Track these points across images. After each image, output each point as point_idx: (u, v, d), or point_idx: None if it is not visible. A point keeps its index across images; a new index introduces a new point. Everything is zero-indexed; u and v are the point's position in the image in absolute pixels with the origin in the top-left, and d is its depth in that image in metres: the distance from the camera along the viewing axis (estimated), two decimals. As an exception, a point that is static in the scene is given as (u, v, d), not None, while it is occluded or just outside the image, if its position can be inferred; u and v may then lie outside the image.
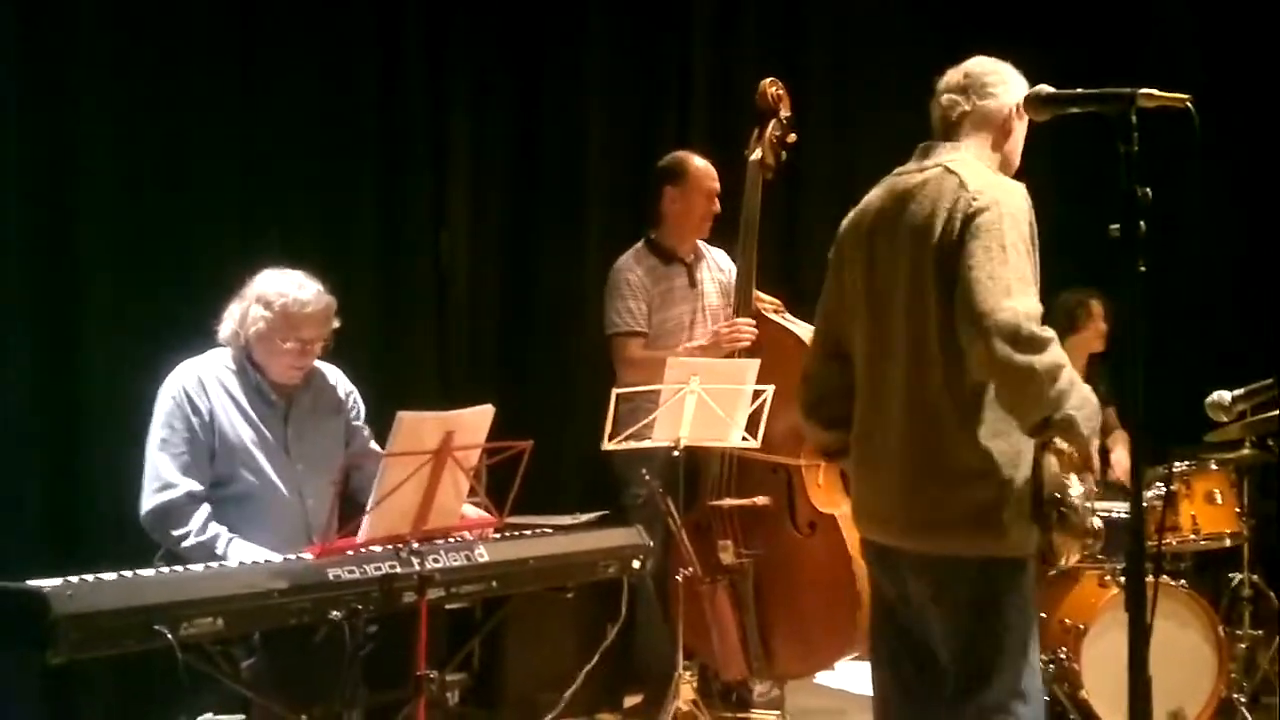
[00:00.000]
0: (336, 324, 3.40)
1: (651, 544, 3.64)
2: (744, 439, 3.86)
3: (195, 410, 3.25)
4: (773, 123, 4.38)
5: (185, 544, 3.15)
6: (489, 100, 5.04)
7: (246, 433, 3.31)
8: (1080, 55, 5.48)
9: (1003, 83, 2.75)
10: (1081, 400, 2.49)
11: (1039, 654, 2.80)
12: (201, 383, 3.29)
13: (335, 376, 3.56)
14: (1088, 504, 2.60)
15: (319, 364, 3.48)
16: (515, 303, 5.16)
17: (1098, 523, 2.62)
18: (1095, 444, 2.57)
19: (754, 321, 4.26)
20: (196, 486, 3.22)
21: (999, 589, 2.68)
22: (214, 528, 3.19)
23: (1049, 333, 2.49)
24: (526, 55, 5.13)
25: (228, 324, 3.37)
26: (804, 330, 4.25)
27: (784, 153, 4.41)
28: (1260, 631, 4.47)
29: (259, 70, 4.40)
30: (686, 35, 5.44)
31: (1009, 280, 2.48)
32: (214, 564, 2.95)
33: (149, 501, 3.21)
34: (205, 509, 3.21)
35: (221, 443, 3.28)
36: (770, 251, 4.54)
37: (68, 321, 3.97)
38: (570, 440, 4.87)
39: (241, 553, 3.15)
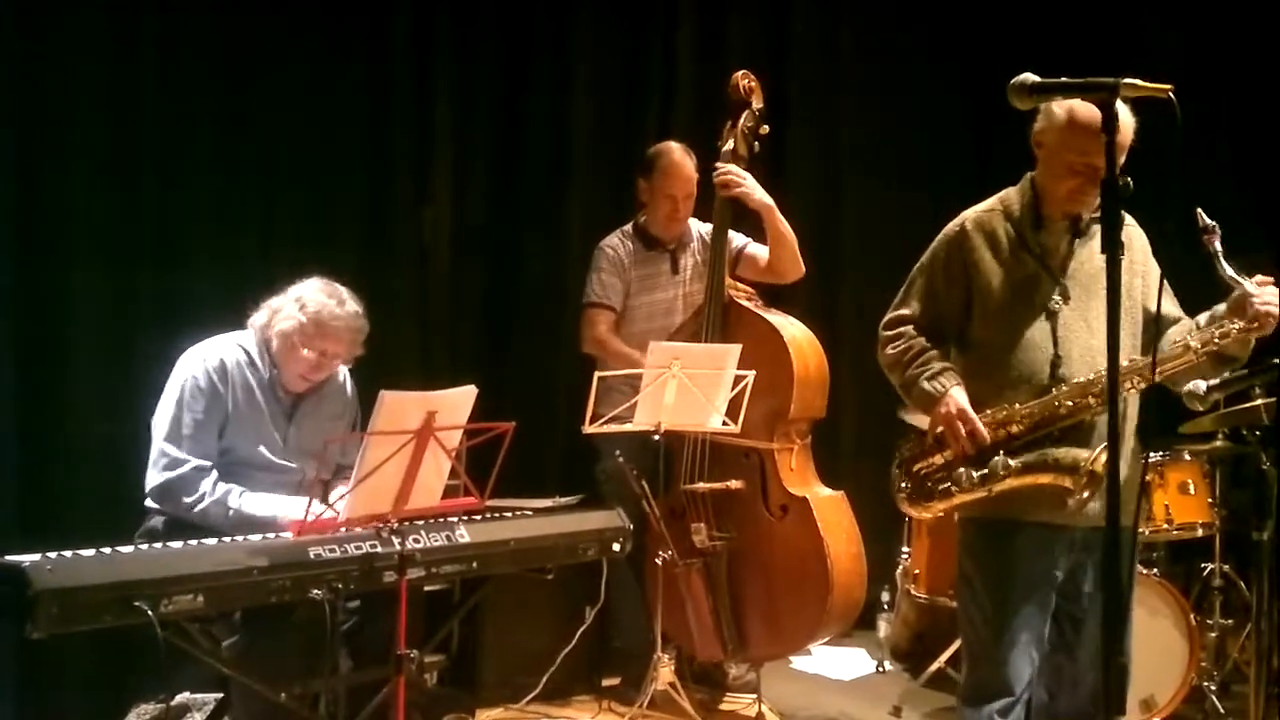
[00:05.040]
0: (361, 351, 3.43)
1: (631, 526, 3.66)
2: (724, 424, 3.88)
3: (211, 393, 3.28)
4: (745, 114, 4.39)
5: (200, 507, 3.20)
6: (474, 79, 5.01)
7: (252, 422, 3.34)
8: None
9: (1041, 115, 2.90)
10: (900, 381, 3.06)
11: (999, 620, 2.97)
12: (223, 364, 3.32)
13: (344, 376, 3.58)
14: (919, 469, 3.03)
15: None
16: (498, 283, 5.14)
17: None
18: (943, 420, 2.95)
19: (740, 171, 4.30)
20: (205, 462, 3.25)
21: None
22: (224, 486, 3.24)
23: (888, 331, 3.09)
24: (512, 35, 5.11)
25: (263, 313, 3.40)
26: (776, 318, 4.27)
27: (756, 143, 4.41)
28: (1231, 621, 4.51)
29: (244, 55, 4.36)
30: (672, 19, 5.43)
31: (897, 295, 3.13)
32: (194, 541, 2.93)
33: (157, 477, 3.24)
34: (213, 474, 3.25)
35: (229, 428, 3.31)
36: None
37: (49, 305, 3.93)
38: (551, 422, 4.87)
39: (256, 503, 3.22)
